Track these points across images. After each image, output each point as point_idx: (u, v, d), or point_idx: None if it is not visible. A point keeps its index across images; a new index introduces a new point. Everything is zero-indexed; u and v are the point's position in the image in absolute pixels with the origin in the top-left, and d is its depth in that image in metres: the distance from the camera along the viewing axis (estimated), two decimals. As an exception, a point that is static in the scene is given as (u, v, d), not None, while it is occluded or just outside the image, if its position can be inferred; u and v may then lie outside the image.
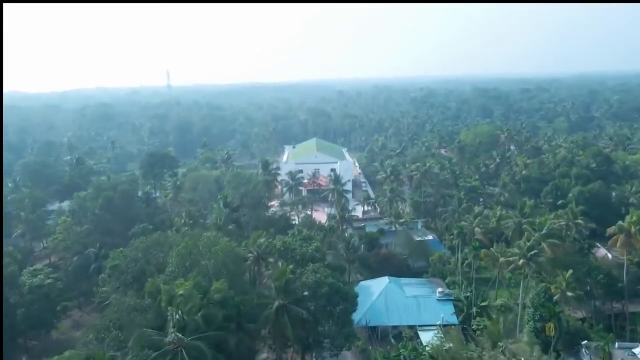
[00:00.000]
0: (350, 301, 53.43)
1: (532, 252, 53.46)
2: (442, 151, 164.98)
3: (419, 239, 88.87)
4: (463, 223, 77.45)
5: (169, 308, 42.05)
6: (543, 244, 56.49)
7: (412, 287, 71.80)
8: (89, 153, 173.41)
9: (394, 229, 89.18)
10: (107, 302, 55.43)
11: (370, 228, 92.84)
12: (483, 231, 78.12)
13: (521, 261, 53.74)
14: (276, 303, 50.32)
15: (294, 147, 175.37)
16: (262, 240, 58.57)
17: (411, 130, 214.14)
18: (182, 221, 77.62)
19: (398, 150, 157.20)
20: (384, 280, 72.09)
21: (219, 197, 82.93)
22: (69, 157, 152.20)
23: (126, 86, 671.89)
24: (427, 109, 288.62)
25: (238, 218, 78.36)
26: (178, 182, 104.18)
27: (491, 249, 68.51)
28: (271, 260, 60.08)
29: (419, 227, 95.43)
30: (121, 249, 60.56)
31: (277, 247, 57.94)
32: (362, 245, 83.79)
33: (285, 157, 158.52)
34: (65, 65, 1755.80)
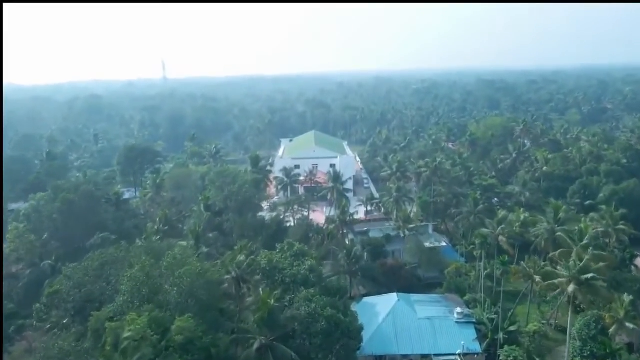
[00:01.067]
0: (354, 337, 42.33)
1: (589, 276, 41.47)
2: (450, 145, 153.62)
3: (430, 245, 77.65)
4: (485, 230, 66.03)
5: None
6: (593, 264, 44.20)
7: (425, 306, 60.96)
8: (71, 147, 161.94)
9: (402, 234, 77.86)
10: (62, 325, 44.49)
11: (375, 233, 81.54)
12: (506, 238, 67.06)
13: (571, 287, 41.94)
14: (257, 341, 39.30)
15: (290, 140, 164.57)
16: (242, 257, 46.81)
17: (416, 123, 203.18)
18: (156, 227, 66.45)
19: (403, 144, 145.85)
20: (392, 297, 61.37)
21: (200, 198, 71.67)
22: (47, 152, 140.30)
23: (122, 79, 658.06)
24: (432, 101, 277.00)
25: (221, 224, 67.43)
26: (159, 180, 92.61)
27: (522, 263, 57.10)
28: (257, 277, 48.93)
29: (430, 231, 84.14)
30: (74, 264, 49.36)
31: (262, 265, 46.52)
32: (366, 254, 72.67)
33: (281, 152, 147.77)
34: (61, 58, 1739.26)
